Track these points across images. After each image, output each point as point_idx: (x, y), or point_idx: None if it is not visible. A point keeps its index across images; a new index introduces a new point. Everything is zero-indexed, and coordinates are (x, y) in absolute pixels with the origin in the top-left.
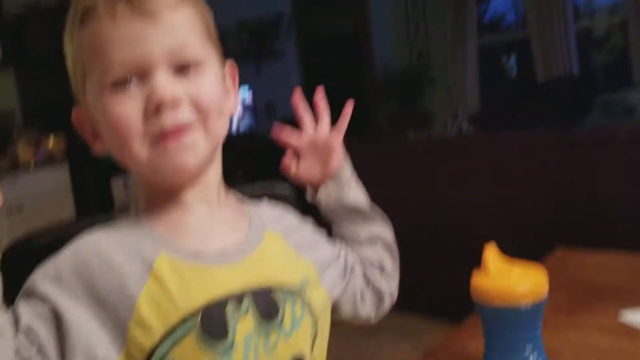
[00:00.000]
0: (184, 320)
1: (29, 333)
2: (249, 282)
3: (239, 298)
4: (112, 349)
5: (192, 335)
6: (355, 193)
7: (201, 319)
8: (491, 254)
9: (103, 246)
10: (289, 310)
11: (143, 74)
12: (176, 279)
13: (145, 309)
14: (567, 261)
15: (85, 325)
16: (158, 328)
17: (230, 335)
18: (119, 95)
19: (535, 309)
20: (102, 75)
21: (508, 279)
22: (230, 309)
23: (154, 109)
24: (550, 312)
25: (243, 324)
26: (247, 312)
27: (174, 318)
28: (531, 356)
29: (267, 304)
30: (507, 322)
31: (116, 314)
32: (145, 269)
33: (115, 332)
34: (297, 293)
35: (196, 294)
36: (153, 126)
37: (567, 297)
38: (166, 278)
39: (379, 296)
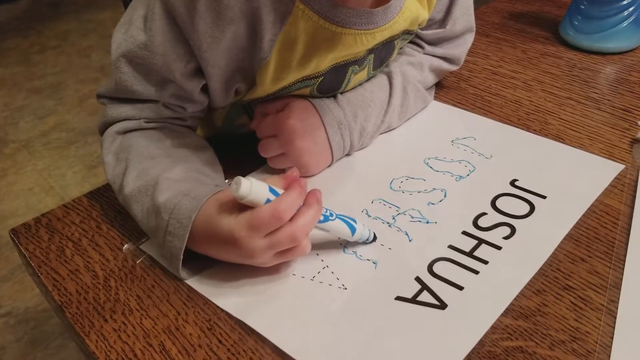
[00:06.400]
0: (302, 80)
1: None
2: (377, 43)
3: (363, 58)
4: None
5: (306, 91)
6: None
7: (320, 82)
8: None
9: None
10: (397, 49)
11: None
12: (306, 41)
13: (271, 66)
14: None
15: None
16: (272, 86)
17: (342, 88)
18: None
19: None
20: None
21: None
22: (350, 70)
23: None
24: None
25: (357, 76)
26: (365, 67)
27: (292, 79)
28: None
29: (384, 54)
30: None
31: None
32: (278, 20)
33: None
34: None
35: (324, 59)
36: None
37: None
38: (299, 40)
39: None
